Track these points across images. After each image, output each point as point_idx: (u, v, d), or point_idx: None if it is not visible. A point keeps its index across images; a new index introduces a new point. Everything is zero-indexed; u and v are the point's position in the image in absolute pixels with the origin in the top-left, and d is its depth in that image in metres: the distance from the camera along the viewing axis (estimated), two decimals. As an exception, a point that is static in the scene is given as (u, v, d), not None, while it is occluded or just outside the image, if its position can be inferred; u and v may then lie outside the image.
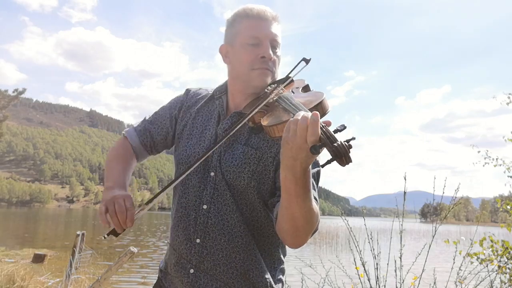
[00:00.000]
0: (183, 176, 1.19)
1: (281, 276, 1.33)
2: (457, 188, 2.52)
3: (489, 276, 3.02)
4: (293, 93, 1.20)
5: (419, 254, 2.63)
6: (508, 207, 3.91)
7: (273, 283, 1.27)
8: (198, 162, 1.18)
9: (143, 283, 8.66)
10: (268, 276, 1.26)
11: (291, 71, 1.21)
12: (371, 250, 2.80)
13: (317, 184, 1.23)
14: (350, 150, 0.84)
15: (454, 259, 2.72)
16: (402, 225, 2.71)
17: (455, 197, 2.58)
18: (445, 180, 2.53)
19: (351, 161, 0.84)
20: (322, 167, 1.06)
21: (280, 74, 1.30)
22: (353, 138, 0.86)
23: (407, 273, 2.66)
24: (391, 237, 2.74)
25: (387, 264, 2.86)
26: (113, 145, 1.46)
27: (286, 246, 1.37)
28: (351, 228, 2.92)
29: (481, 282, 2.88)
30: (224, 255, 1.22)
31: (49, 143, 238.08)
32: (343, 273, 3.07)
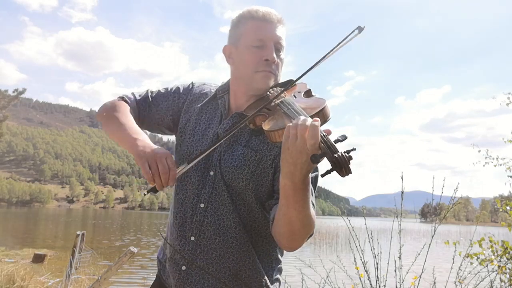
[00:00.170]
0: (213, 147, 1.16)
1: (278, 276, 1.34)
2: (456, 188, 2.52)
3: (489, 276, 3.02)
4: (295, 97, 1.20)
5: (419, 254, 2.64)
6: (508, 207, 3.90)
7: (269, 283, 1.27)
8: (203, 155, 1.16)
9: (143, 284, 8.65)
10: (263, 277, 1.26)
11: (344, 39, 1.17)
12: (371, 250, 2.80)
13: (314, 189, 1.23)
14: (351, 161, 0.84)
15: (453, 259, 2.72)
16: (400, 225, 2.72)
17: (455, 197, 2.58)
18: (443, 180, 2.53)
19: (350, 173, 0.84)
20: (322, 177, 1.07)
21: (285, 72, 1.29)
22: (354, 149, 0.86)
23: (407, 273, 2.67)
24: (391, 237, 2.74)
25: (387, 264, 2.86)
26: (105, 103, 1.36)
27: None
28: (352, 227, 2.92)
29: (480, 282, 2.88)
30: (218, 255, 1.23)
31: (49, 143, 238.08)
32: (343, 273, 3.07)
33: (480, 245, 3.57)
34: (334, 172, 0.85)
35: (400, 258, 2.62)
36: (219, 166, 1.24)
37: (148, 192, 1.13)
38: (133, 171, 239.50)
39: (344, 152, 0.85)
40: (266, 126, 1.08)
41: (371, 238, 2.83)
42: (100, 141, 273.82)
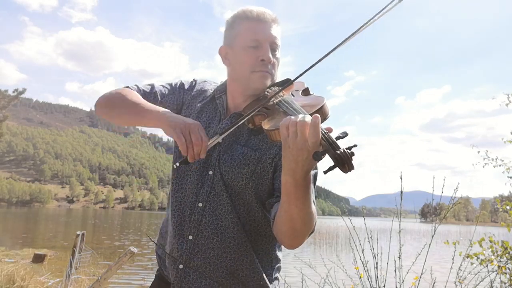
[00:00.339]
0: (227, 132, 1.12)
1: (277, 274, 1.34)
2: (456, 188, 2.52)
3: (489, 276, 3.02)
4: (293, 96, 1.20)
5: (419, 254, 2.64)
6: (508, 207, 3.90)
7: (267, 282, 1.27)
8: (224, 134, 1.12)
9: (143, 284, 8.65)
10: (262, 276, 1.26)
11: (382, 9, 1.08)
12: (371, 250, 2.80)
13: (314, 186, 1.23)
14: (353, 157, 0.84)
15: (453, 259, 2.72)
16: (400, 224, 2.72)
17: (455, 197, 2.58)
18: (444, 180, 2.53)
19: (353, 168, 0.84)
20: (325, 174, 1.07)
21: (282, 72, 1.29)
22: (355, 145, 0.86)
23: (407, 273, 2.67)
24: (390, 237, 2.74)
25: (387, 263, 2.87)
26: (115, 90, 1.31)
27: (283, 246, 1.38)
28: (353, 227, 2.93)
29: (480, 282, 2.88)
30: (215, 254, 1.23)
31: (49, 143, 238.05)
32: (343, 273, 3.07)
33: (480, 245, 3.57)
34: (337, 168, 0.85)
35: (400, 258, 2.62)
36: (218, 166, 1.24)
37: (180, 163, 1.09)
38: (133, 171, 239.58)
39: (346, 149, 0.85)
40: (266, 125, 1.08)
41: (371, 238, 2.83)
42: (100, 141, 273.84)
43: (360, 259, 2.83)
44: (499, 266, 3.27)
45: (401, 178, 2.53)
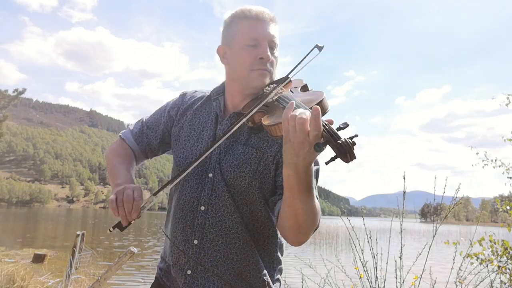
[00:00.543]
0: (193, 166, 1.17)
1: (279, 276, 1.34)
2: (458, 188, 2.51)
3: (489, 276, 3.02)
4: (292, 92, 1.20)
5: (420, 254, 2.63)
6: (508, 207, 3.90)
7: (271, 283, 1.28)
8: (203, 156, 1.17)
9: (142, 284, 8.64)
10: (266, 276, 1.26)
11: (303, 58, 1.19)
12: (370, 250, 2.80)
13: (316, 182, 1.23)
14: (354, 147, 0.84)
15: (454, 259, 2.71)
16: (402, 225, 2.71)
17: (456, 197, 2.57)
18: (445, 180, 2.53)
19: (355, 158, 0.84)
20: (326, 164, 1.06)
21: (281, 72, 1.29)
22: (356, 135, 0.86)
23: (407, 273, 2.66)
24: (390, 237, 2.73)
25: (387, 263, 2.86)
26: (111, 145, 1.45)
27: (284, 247, 1.38)
28: (352, 227, 2.92)
29: (481, 282, 2.88)
30: (222, 256, 1.23)
31: (49, 143, 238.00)
32: (343, 273, 3.07)
33: (481, 244, 3.56)
34: (339, 159, 0.86)
35: (401, 258, 2.62)
36: (219, 167, 1.24)
37: (113, 227, 1.15)
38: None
39: (348, 138, 0.85)
40: (266, 121, 1.08)
41: (370, 238, 2.82)
42: (100, 141, 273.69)
43: (360, 259, 2.82)
44: (499, 266, 3.27)
45: (404, 178, 2.53)
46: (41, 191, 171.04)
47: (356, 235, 2.88)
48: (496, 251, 3.51)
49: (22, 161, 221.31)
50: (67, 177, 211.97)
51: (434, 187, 2.52)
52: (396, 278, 2.67)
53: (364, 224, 2.95)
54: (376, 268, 2.76)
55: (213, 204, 1.23)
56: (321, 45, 1.19)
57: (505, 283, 3.28)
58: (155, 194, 1.16)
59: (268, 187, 1.23)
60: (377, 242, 2.84)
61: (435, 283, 2.70)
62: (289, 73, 1.21)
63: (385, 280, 2.78)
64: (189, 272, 1.25)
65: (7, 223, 33.47)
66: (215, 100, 1.35)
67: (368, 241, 2.83)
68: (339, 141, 0.84)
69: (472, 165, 4.94)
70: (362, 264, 2.80)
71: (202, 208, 1.24)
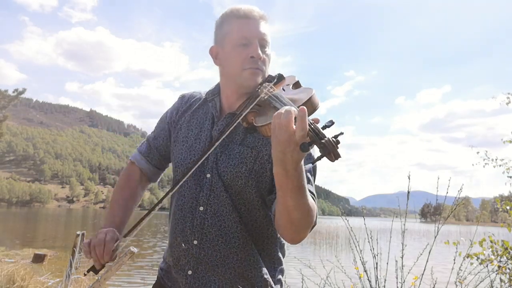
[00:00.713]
0: (186, 177, 1.19)
1: (280, 277, 1.33)
2: (460, 189, 2.51)
3: (489, 276, 3.02)
4: (284, 90, 1.21)
5: (421, 254, 2.63)
6: (508, 207, 3.90)
7: (272, 283, 1.27)
8: (193, 169, 1.20)
9: (142, 284, 8.64)
10: (267, 276, 1.26)
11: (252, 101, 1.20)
12: (370, 250, 2.80)
13: (314, 178, 1.23)
14: (338, 145, 0.84)
15: (454, 260, 2.71)
16: (405, 225, 2.71)
17: (459, 198, 2.57)
18: (449, 181, 2.52)
19: (340, 156, 0.84)
20: (313, 164, 1.06)
21: (285, 72, 1.29)
22: (341, 133, 0.86)
23: (408, 273, 2.66)
24: (390, 237, 2.73)
25: (387, 263, 2.86)
26: (122, 172, 1.50)
27: (285, 247, 1.38)
28: (351, 228, 2.92)
29: (481, 282, 2.88)
30: (222, 256, 1.23)
31: (49, 143, 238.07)
32: (343, 273, 3.07)
33: (481, 245, 3.57)
34: (325, 158, 0.86)
35: (402, 258, 2.62)
36: (216, 167, 1.24)
37: (88, 271, 1.19)
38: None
39: (332, 137, 0.85)
40: (257, 122, 1.09)
41: (371, 238, 2.82)
42: (100, 141, 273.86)
43: (360, 259, 2.82)
44: (499, 266, 3.27)
45: (409, 178, 2.52)
46: (41, 191, 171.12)
47: (354, 235, 2.88)
48: (496, 251, 3.51)
49: (22, 161, 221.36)
50: (67, 177, 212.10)
51: (437, 188, 2.52)
52: (396, 278, 2.67)
53: (364, 224, 2.95)
54: (376, 268, 2.76)
55: (212, 204, 1.24)
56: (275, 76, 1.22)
57: (505, 283, 3.28)
58: (125, 236, 1.22)
59: (265, 186, 1.23)
60: (377, 242, 2.84)
61: (435, 283, 2.70)
62: (275, 75, 1.22)
63: (385, 280, 2.78)
64: (189, 272, 1.25)
65: (7, 223, 33.48)
66: (210, 101, 1.35)
67: (368, 241, 2.83)
68: (323, 141, 0.85)
69: (473, 165, 4.95)
70: (362, 264, 2.80)
71: (201, 208, 1.25)
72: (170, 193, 1.23)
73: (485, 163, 4.78)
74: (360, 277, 2.85)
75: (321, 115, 1.09)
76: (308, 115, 1.02)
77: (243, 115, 1.14)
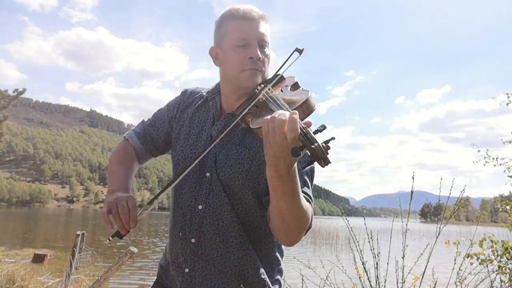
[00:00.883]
0: (184, 174, 1.19)
1: (278, 277, 1.33)
2: (463, 190, 2.51)
3: (489, 276, 3.02)
4: (282, 91, 1.20)
5: (421, 254, 2.63)
6: (508, 207, 3.90)
7: (270, 283, 1.27)
8: (196, 161, 1.19)
9: (142, 285, 8.64)
10: (264, 276, 1.26)
11: (284, 62, 1.20)
12: (371, 250, 2.80)
13: (311, 181, 1.23)
14: (328, 151, 0.84)
15: (455, 260, 2.71)
16: (407, 225, 2.71)
17: (461, 198, 2.57)
18: (452, 181, 2.52)
19: (329, 162, 0.84)
20: (303, 169, 1.07)
21: (272, 70, 1.29)
22: (333, 138, 0.86)
23: (408, 273, 2.66)
24: (390, 237, 2.74)
25: (387, 263, 2.86)
26: (116, 147, 1.48)
27: (283, 248, 1.38)
28: (351, 227, 2.92)
29: (481, 282, 2.88)
30: (219, 255, 1.23)
31: (49, 143, 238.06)
32: (343, 273, 3.07)
33: (481, 246, 3.57)
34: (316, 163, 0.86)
35: (403, 258, 2.62)
36: (215, 167, 1.25)
37: (112, 236, 1.17)
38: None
39: (322, 143, 0.85)
40: (252, 124, 1.09)
41: (371, 238, 2.82)
42: (100, 141, 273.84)
43: (360, 259, 2.82)
44: (499, 266, 3.27)
45: (413, 178, 2.52)
46: (41, 191, 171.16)
47: (355, 235, 2.88)
48: (496, 251, 3.51)
49: (22, 161, 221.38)
50: (67, 177, 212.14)
51: (440, 188, 2.51)
52: (397, 278, 2.67)
53: (364, 224, 2.95)
54: (376, 268, 2.76)
55: (211, 203, 1.24)
56: (301, 48, 1.19)
57: (505, 283, 3.28)
58: (149, 203, 1.20)
59: (262, 186, 1.23)
60: (377, 242, 2.84)
61: (435, 283, 2.70)
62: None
63: (385, 280, 2.78)
64: (187, 270, 1.26)
65: (7, 223, 33.47)
66: (211, 100, 1.36)
67: (368, 241, 2.83)
68: (313, 146, 0.84)
69: (473, 162, 4.94)
70: (362, 264, 2.80)
71: (200, 207, 1.25)
72: (181, 176, 1.20)
73: (486, 162, 4.78)
74: (360, 277, 2.85)
75: (321, 115, 1.09)
76: (304, 118, 1.01)
77: (240, 116, 1.14)
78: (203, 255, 1.24)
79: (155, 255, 13.38)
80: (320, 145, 0.84)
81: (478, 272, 2.99)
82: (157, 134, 1.43)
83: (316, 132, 0.88)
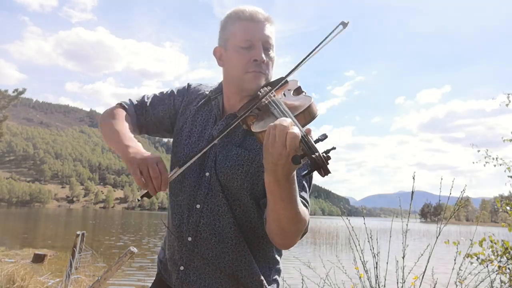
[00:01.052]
0: (202, 152, 1.15)
1: (276, 276, 1.33)
2: (463, 190, 2.51)
3: (489, 276, 3.02)
4: (285, 95, 1.19)
5: (422, 254, 2.63)
6: (508, 207, 3.90)
7: (266, 283, 1.27)
8: (202, 152, 1.16)
9: (142, 284, 8.64)
10: (260, 277, 1.26)
11: (328, 35, 1.16)
12: (370, 250, 2.80)
13: (309, 185, 1.23)
14: (329, 161, 0.84)
15: (455, 260, 2.71)
16: (407, 225, 2.71)
17: (462, 198, 2.57)
18: (453, 181, 2.52)
19: (329, 173, 0.84)
20: (303, 177, 1.05)
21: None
22: (333, 148, 0.86)
23: (409, 273, 2.66)
24: (390, 236, 2.73)
25: (387, 263, 2.86)
26: (107, 110, 1.38)
27: None
28: (352, 227, 2.92)
29: (481, 282, 2.88)
30: (214, 255, 1.24)
31: (49, 143, 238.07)
32: (343, 273, 3.07)
33: (481, 245, 3.56)
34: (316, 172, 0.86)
35: (403, 258, 2.62)
36: (214, 167, 1.25)
37: (142, 197, 1.13)
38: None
39: (323, 152, 0.85)
40: (253, 128, 1.08)
41: (371, 237, 2.82)
42: (100, 141, 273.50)
43: (360, 259, 2.82)
44: (499, 266, 3.27)
45: (413, 179, 2.52)
46: (41, 191, 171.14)
47: (356, 235, 2.88)
48: (496, 251, 3.51)
49: (22, 161, 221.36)
50: (67, 177, 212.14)
51: (440, 188, 2.52)
52: (397, 278, 2.67)
53: (364, 223, 2.95)
54: (376, 268, 2.76)
55: (209, 203, 1.24)
56: (346, 22, 1.15)
57: (505, 283, 3.28)
58: (181, 166, 1.15)
59: (260, 188, 1.23)
60: (377, 242, 2.84)
61: (435, 283, 2.70)
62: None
63: (385, 279, 2.78)
64: (182, 268, 1.26)
65: (7, 223, 33.48)
66: (213, 100, 1.35)
67: (368, 241, 2.83)
68: (313, 156, 0.84)
69: (473, 163, 4.93)
70: (363, 264, 2.80)
71: (198, 206, 1.25)
72: (196, 157, 1.16)
73: (486, 162, 4.77)
74: (360, 277, 2.85)
75: (321, 115, 1.08)
76: (306, 124, 1.01)
77: (241, 118, 1.14)
78: (198, 255, 1.24)
79: (155, 255, 13.36)
80: (321, 155, 0.84)
81: (478, 273, 2.99)
82: (153, 114, 1.40)
83: (317, 141, 0.88)
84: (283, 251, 1.39)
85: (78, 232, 6.95)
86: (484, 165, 4.80)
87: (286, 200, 0.98)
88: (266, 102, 1.14)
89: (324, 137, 0.89)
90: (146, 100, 1.42)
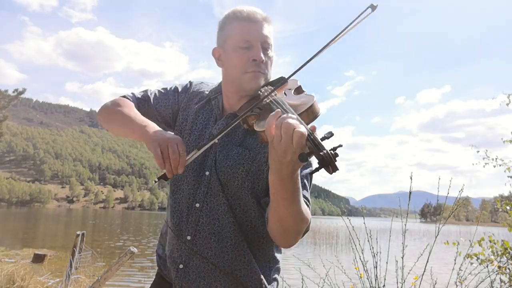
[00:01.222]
0: (207, 145, 1.13)
1: (276, 275, 1.34)
2: (461, 190, 2.51)
3: (489, 276, 3.02)
4: (286, 95, 1.19)
5: (421, 254, 2.63)
6: (508, 207, 3.90)
7: (266, 282, 1.27)
8: (207, 146, 1.13)
9: (142, 285, 8.64)
10: (260, 276, 1.26)
11: (356, 18, 1.14)
12: (370, 249, 2.80)
13: (310, 184, 1.23)
14: (337, 158, 0.84)
15: (455, 260, 2.71)
16: (406, 225, 2.71)
17: (460, 198, 2.57)
18: (450, 181, 2.53)
19: (337, 169, 0.84)
20: (311, 175, 1.05)
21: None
22: (340, 146, 0.86)
23: (409, 273, 2.66)
24: (390, 236, 2.73)
25: (387, 263, 2.86)
26: (110, 101, 1.36)
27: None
28: (353, 227, 2.92)
29: (481, 282, 2.88)
30: (213, 254, 1.24)
31: (49, 143, 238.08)
32: (343, 273, 3.07)
33: (480, 245, 3.56)
34: (323, 169, 0.86)
35: (403, 258, 2.62)
36: (215, 166, 1.25)
37: (158, 178, 1.10)
38: (133, 171, 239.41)
39: (330, 150, 0.85)
40: (256, 127, 1.08)
41: (370, 237, 2.82)
42: (100, 141, 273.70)
43: (360, 259, 2.82)
44: (499, 267, 3.27)
45: (411, 178, 2.53)
46: (41, 191, 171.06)
47: (356, 234, 2.88)
48: (496, 251, 3.51)
49: (22, 161, 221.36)
50: (67, 177, 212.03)
51: (438, 188, 2.52)
52: (397, 278, 2.67)
53: (364, 223, 2.95)
54: (376, 267, 2.76)
55: (208, 202, 1.25)
56: (375, 5, 1.14)
57: (505, 283, 3.28)
58: (199, 148, 1.12)
59: (261, 187, 1.23)
60: (377, 242, 2.84)
61: (435, 283, 2.70)
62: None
63: (385, 279, 2.78)
64: (181, 266, 1.26)
65: (7, 223, 33.47)
66: (213, 99, 1.36)
67: (368, 241, 2.83)
68: (321, 153, 0.84)
69: (473, 164, 4.93)
70: (363, 264, 2.80)
71: (197, 205, 1.25)
72: (212, 142, 1.12)
73: (485, 163, 4.77)
74: (360, 277, 2.85)
75: (321, 115, 1.09)
76: (309, 123, 1.01)
77: (242, 117, 1.13)
78: (198, 253, 1.24)
79: (155, 255, 13.30)
80: (329, 152, 0.84)
81: (479, 273, 2.99)
82: (154, 107, 1.39)
83: (323, 138, 0.88)
84: (283, 250, 1.40)
85: (78, 232, 6.95)
86: (484, 166, 4.79)
87: (289, 200, 0.99)
88: (268, 101, 1.14)
89: (330, 135, 0.89)
90: (149, 94, 1.41)
